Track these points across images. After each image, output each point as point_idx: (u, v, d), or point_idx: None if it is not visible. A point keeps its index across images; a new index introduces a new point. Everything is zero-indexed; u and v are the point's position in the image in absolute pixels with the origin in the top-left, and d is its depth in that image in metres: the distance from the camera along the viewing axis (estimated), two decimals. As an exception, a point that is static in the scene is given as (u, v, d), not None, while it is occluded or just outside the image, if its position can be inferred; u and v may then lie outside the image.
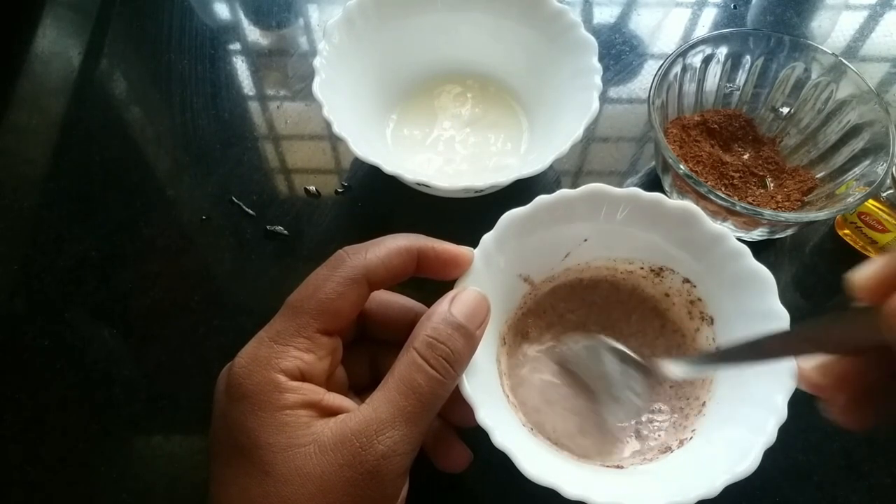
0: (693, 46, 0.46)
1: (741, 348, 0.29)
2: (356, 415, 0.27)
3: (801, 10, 0.60)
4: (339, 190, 0.49)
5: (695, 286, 0.37)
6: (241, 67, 0.56)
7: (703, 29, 0.60)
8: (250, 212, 0.48)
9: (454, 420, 0.34)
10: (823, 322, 0.23)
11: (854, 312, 0.21)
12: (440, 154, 0.49)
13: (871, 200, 0.43)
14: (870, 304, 0.20)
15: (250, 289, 0.45)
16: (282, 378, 0.27)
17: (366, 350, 0.35)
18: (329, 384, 0.30)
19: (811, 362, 0.23)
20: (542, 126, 0.49)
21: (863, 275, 0.21)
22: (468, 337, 0.29)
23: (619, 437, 0.36)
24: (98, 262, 0.45)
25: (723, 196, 0.40)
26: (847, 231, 0.46)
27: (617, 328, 0.39)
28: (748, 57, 0.48)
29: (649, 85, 0.44)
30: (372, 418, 0.27)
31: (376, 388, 0.28)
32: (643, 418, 0.37)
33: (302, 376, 0.28)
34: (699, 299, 0.37)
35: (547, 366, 0.38)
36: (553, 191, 0.35)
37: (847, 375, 0.22)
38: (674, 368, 0.33)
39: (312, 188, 0.49)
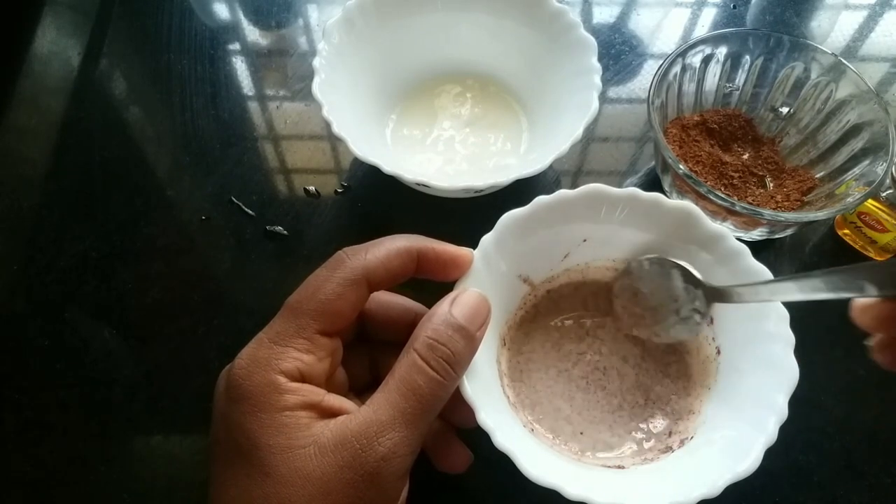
0: (693, 46, 0.46)
1: (808, 278, 0.29)
2: (356, 416, 0.27)
3: (800, 10, 0.60)
4: (339, 190, 0.49)
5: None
6: (240, 67, 0.56)
7: (702, 29, 0.60)
8: (250, 212, 0.48)
9: (454, 421, 0.34)
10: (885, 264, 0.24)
11: None
12: (440, 154, 0.49)
13: (870, 200, 0.43)
14: None
15: (250, 289, 0.45)
16: (281, 379, 0.27)
17: (366, 351, 0.35)
18: (329, 385, 0.30)
19: (865, 301, 0.25)
20: (542, 126, 0.49)
21: None
22: (469, 338, 0.29)
23: (620, 435, 0.36)
24: (98, 262, 0.45)
25: (722, 196, 0.40)
26: (847, 231, 0.46)
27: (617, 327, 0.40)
28: (748, 57, 0.48)
29: (649, 85, 0.44)
30: (372, 420, 0.27)
31: (376, 389, 0.28)
32: (645, 414, 0.37)
33: (302, 377, 0.28)
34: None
35: (548, 365, 0.38)
36: (552, 191, 0.35)
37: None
38: (734, 293, 0.33)
39: (312, 188, 0.49)
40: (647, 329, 0.38)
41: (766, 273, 0.33)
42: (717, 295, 0.34)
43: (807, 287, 0.29)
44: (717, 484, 0.29)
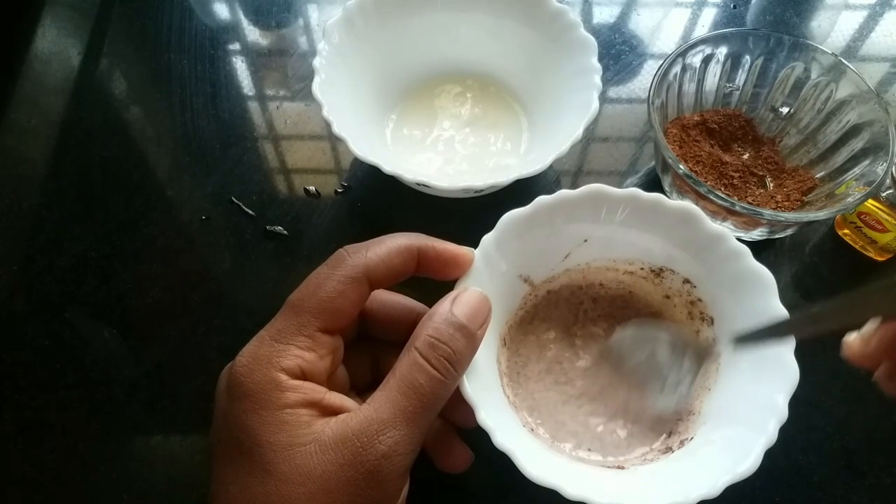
0: (693, 46, 0.46)
1: (798, 320, 0.28)
2: (357, 414, 0.27)
3: (800, 10, 0.60)
4: (339, 190, 0.49)
5: (695, 287, 0.37)
6: (240, 67, 0.56)
7: (702, 29, 0.60)
8: (250, 212, 0.48)
9: (455, 420, 0.34)
10: (881, 287, 0.23)
11: None
12: (440, 154, 0.49)
13: (870, 200, 0.43)
14: None
15: (250, 289, 0.45)
16: (283, 377, 0.27)
17: (367, 350, 0.35)
18: (331, 384, 0.30)
19: (854, 335, 0.24)
20: (542, 126, 0.49)
21: None
22: (469, 337, 0.29)
23: (620, 435, 0.36)
24: (98, 262, 0.45)
25: (722, 196, 0.40)
26: (847, 231, 0.46)
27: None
28: (748, 57, 0.48)
29: (649, 85, 0.44)
30: (373, 418, 0.27)
31: (377, 387, 0.28)
32: (645, 419, 0.37)
33: (303, 375, 0.28)
34: (699, 300, 0.37)
35: (547, 365, 0.38)
36: (553, 191, 0.35)
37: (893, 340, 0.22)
38: (722, 346, 0.33)
39: (312, 188, 0.49)
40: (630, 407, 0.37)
41: (766, 273, 0.33)
42: (705, 352, 0.34)
43: (799, 326, 0.29)
44: (716, 484, 0.29)
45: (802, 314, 0.28)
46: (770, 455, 0.29)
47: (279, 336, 0.28)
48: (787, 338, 0.31)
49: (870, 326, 0.23)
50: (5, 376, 0.41)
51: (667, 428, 0.36)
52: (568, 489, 0.28)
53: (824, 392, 0.41)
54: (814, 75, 0.46)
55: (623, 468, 0.34)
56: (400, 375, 0.28)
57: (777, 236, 0.45)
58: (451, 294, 0.31)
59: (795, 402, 0.30)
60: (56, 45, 0.56)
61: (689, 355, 0.35)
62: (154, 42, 0.57)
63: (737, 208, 0.40)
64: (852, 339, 0.24)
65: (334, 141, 0.51)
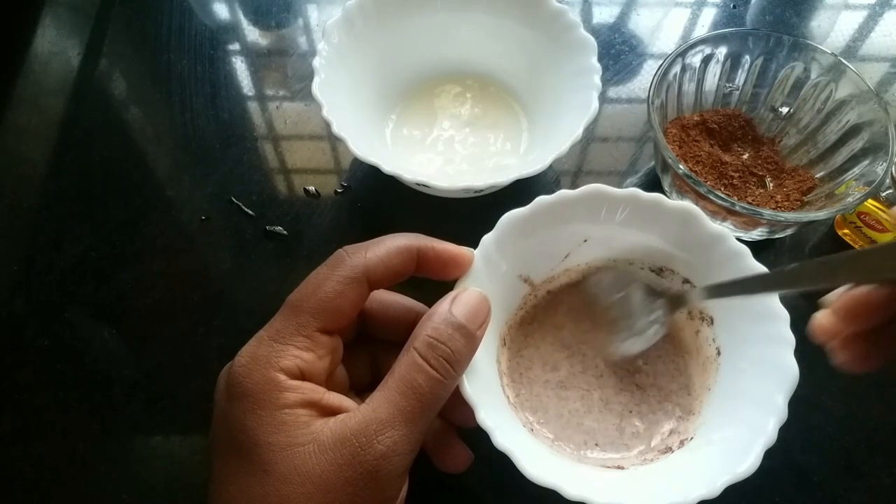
0: (692, 46, 0.46)
1: (771, 276, 0.29)
2: (356, 414, 0.27)
3: (800, 10, 0.60)
4: (339, 190, 0.49)
5: (695, 287, 0.37)
6: (240, 67, 0.56)
7: (702, 29, 0.60)
8: (250, 212, 0.48)
9: (455, 420, 0.34)
10: (861, 252, 0.24)
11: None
12: (440, 154, 0.49)
13: (870, 200, 0.43)
14: None
15: (250, 289, 0.45)
16: (281, 377, 0.27)
17: (367, 350, 0.35)
18: (330, 384, 0.30)
19: (822, 311, 0.24)
20: (542, 126, 0.49)
21: None
22: (469, 337, 0.29)
23: (620, 435, 0.36)
24: (98, 262, 0.45)
25: (722, 196, 0.40)
26: (846, 231, 0.46)
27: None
28: (747, 57, 0.48)
29: (649, 85, 0.44)
30: (372, 418, 0.27)
31: (377, 387, 0.28)
32: (645, 419, 0.37)
33: (302, 375, 0.28)
34: (699, 299, 0.37)
35: (548, 365, 0.38)
36: (553, 191, 0.35)
37: (865, 307, 0.23)
38: (695, 295, 0.34)
39: (312, 188, 0.49)
40: (597, 346, 0.38)
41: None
42: (678, 301, 0.35)
43: (772, 283, 0.29)
44: (716, 485, 0.29)
45: (777, 271, 0.29)
46: (770, 455, 0.29)
47: (278, 336, 0.28)
48: (757, 293, 0.32)
49: (836, 295, 0.24)
50: (5, 376, 0.41)
51: (674, 415, 0.36)
52: (567, 489, 0.28)
53: (824, 392, 0.41)
54: (813, 75, 0.46)
55: (623, 468, 0.34)
56: (399, 375, 0.28)
57: (777, 236, 0.45)
58: (451, 294, 0.31)
59: (795, 402, 0.30)
60: (56, 46, 0.56)
61: (660, 302, 0.35)
62: (154, 42, 0.57)
63: (737, 208, 0.40)
64: (820, 314, 0.24)
65: (334, 141, 0.51)
